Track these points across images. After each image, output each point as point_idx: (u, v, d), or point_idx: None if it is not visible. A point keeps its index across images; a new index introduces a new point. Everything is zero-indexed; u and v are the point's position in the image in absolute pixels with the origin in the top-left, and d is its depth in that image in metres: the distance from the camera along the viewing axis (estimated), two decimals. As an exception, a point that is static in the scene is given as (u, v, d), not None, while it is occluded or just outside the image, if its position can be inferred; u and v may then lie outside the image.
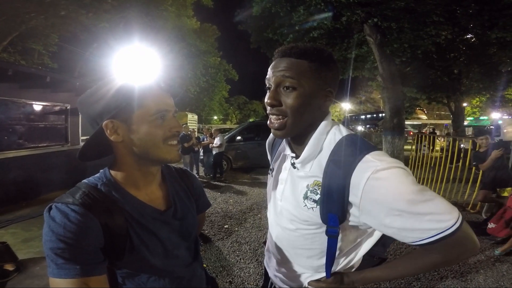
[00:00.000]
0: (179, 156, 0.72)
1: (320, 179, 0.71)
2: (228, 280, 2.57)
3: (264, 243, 1.07)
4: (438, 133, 17.11)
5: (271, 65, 0.74)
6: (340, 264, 0.79)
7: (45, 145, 4.85)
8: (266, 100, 0.73)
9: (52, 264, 0.53)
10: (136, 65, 6.41)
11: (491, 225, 3.11)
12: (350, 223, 0.69)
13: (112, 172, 0.69)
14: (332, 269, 0.77)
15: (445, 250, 0.61)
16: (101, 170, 0.70)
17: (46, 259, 0.54)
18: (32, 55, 11.52)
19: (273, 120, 0.73)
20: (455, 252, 0.61)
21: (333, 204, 0.67)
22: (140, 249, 0.64)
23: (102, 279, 0.57)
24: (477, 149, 4.04)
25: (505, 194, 3.95)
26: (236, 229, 3.77)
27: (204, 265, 0.88)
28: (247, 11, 8.72)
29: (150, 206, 0.69)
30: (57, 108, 5.11)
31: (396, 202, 0.58)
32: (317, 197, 0.71)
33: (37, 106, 4.72)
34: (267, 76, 0.74)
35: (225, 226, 3.87)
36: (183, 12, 15.43)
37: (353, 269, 0.82)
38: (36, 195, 4.53)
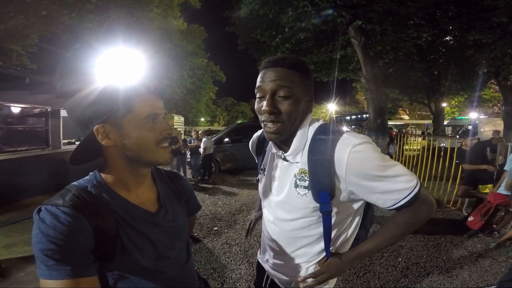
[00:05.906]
0: (171, 158, 0.72)
1: (306, 166, 0.79)
2: (219, 282, 2.56)
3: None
4: (419, 132, 17.75)
5: (261, 74, 0.79)
6: (337, 244, 0.85)
7: (24, 149, 4.64)
8: (264, 108, 0.77)
9: (43, 266, 0.52)
10: (120, 66, 6.29)
11: (470, 218, 3.27)
12: (340, 199, 0.78)
13: (102, 174, 0.68)
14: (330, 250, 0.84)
15: (415, 208, 0.73)
16: (90, 173, 0.70)
17: (36, 261, 0.53)
18: (10, 55, 10.95)
19: (270, 126, 0.79)
20: (424, 208, 0.74)
21: (322, 183, 0.76)
22: (131, 251, 0.64)
23: (93, 280, 0.57)
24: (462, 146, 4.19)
25: (486, 190, 4.02)
26: (226, 230, 3.76)
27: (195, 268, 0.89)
28: (235, 12, 8.74)
29: (140, 208, 0.69)
30: (36, 110, 4.91)
31: (372, 169, 0.69)
32: (307, 183, 0.79)
33: (15, 109, 4.51)
34: (259, 85, 0.79)
35: (214, 228, 3.85)
36: (170, 13, 15.21)
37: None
38: (15, 200, 4.33)
